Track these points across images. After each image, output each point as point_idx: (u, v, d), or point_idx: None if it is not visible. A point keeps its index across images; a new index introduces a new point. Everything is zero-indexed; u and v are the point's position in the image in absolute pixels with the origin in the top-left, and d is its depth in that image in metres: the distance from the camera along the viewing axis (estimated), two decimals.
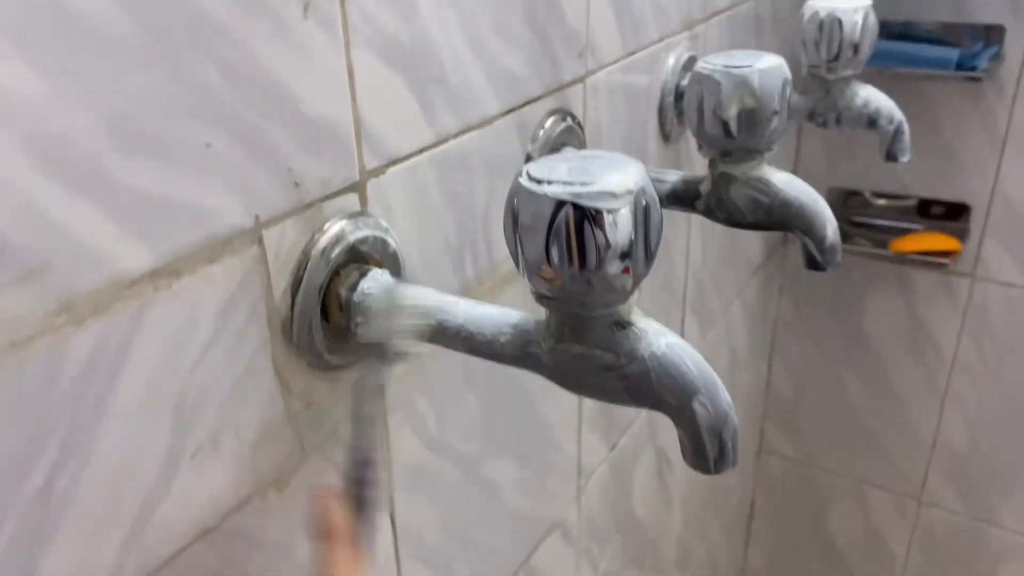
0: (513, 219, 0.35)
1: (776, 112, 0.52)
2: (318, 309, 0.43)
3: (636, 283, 0.35)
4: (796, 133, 1.28)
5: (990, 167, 1.17)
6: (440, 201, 0.51)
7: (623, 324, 0.37)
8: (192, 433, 0.38)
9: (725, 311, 1.15)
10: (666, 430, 1.03)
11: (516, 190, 0.34)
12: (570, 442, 0.78)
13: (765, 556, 1.62)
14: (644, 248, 0.34)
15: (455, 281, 0.55)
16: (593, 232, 0.33)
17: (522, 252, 0.35)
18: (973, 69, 1.04)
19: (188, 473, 0.38)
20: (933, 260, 1.16)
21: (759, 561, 1.63)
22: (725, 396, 0.36)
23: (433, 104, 0.48)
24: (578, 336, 0.37)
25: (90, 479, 0.34)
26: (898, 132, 0.72)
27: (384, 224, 0.46)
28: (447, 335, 0.41)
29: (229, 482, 0.41)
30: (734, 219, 0.56)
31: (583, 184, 0.33)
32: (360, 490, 0.39)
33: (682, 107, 0.77)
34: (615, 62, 0.69)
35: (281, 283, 0.41)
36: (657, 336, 0.36)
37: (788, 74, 0.52)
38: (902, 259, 1.19)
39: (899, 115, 0.72)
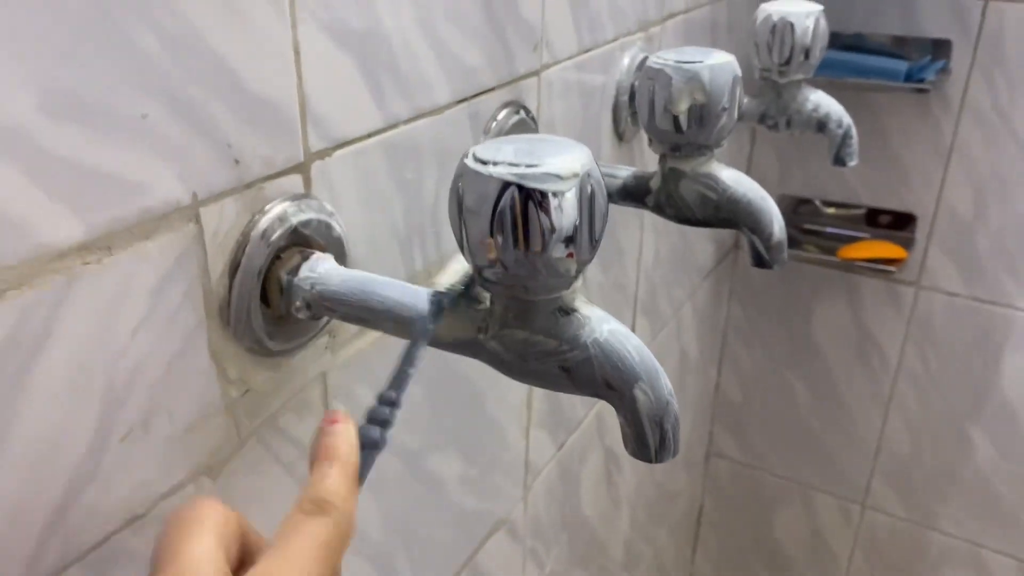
0: (458, 201, 0.34)
1: (726, 109, 0.52)
2: (257, 293, 0.42)
3: (580, 268, 0.35)
4: (750, 140, 1.30)
5: (935, 178, 1.19)
6: (389, 188, 0.50)
7: (567, 310, 0.36)
8: (121, 415, 0.37)
9: (676, 314, 1.15)
10: (616, 430, 1.03)
11: (461, 171, 0.34)
12: (518, 439, 0.77)
13: (712, 560, 1.63)
14: (589, 233, 0.34)
15: (403, 271, 0.54)
16: (538, 215, 0.32)
17: (466, 235, 0.34)
18: (921, 81, 1.06)
19: (117, 457, 0.37)
20: (879, 267, 1.18)
21: (706, 565, 1.64)
22: (667, 384, 0.36)
23: (383, 88, 0.48)
24: (522, 322, 0.36)
25: (8, 459, 0.32)
26: (846, 136, 0.73)
27: (329, 208, 0.45)
28: (389, 321, 0.40)
29: (160, 467, 0.40)
30: (683, 215, 0.56)
31: (529, 166, 0.33)
32: (374, 429, 0.37)
33: (635, 106, 0.77)
34: (570, 58, 0.68)
35: (219, 264, 0.40)
36: (600, 323, 0.36)
37: (738, 71, 0.52)
38: (849, 266, 1.21)
39: (848, 120, 0.73)
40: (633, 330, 1.02)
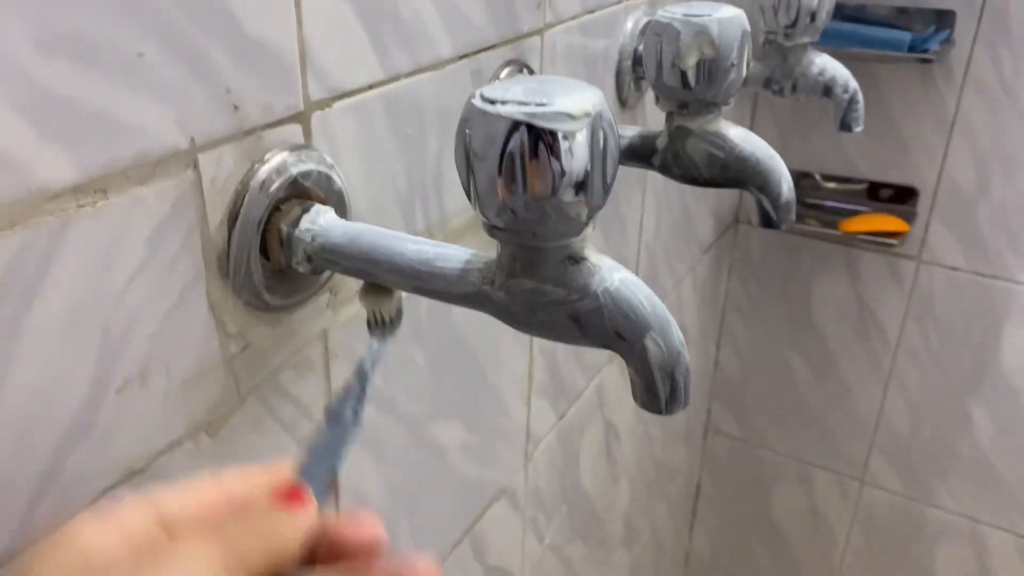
0: (464, 144, 0.33)
1: (735, 64, 0.51)
2: (257, 245, 0.41)
3: (591, 214, 0.34)
4: (750, 113, 1.28)
5: (938, 152, 1.18)
6: (390, 143, 0.49)
7: (576, 259, 0.35)
8: (118, 366, 0.36)
9: (676, 287, 1.15)
10: (615, 403, 1.02)
11: (468, 113, 0.33)
12: (519, 408, 0.77)
13: (709, 537, 1.64)
14: (601, 176, 0.33)
15: (404, 229, 0.53)
16: (548, 156, 0.31)
17: (473, 178, 0.33)
18: (925, 51, 1.05)
19: (113, 409, 0.36)
20: (880, 241, 1.17)
21: (704, 542, 1.65)
22: (678, 335, 0.35)
23: (384, 39, 0.46)
24: (530, 270, 0.35)
25: (2, 409, 0.32)
26: (852, 101, 0.72)
27: (329, 160, 0.44)
28: (394, 272, 0.39)
29: (158, 422, 0.39)
30: (690, 175, 0.55)
31: (539, 105, 0.31)
32: (342, 401, 0.36)
33: (640, 72, 0.76)
34: (573, 18, 0.67)
35: (217, 214, 0.39)
36: (611, 271, 0.35)
37: (747, 26, 0.51)
38: (850, 241, 1.21)
39: (854, 84, 0.72)
40: None
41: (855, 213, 1.23)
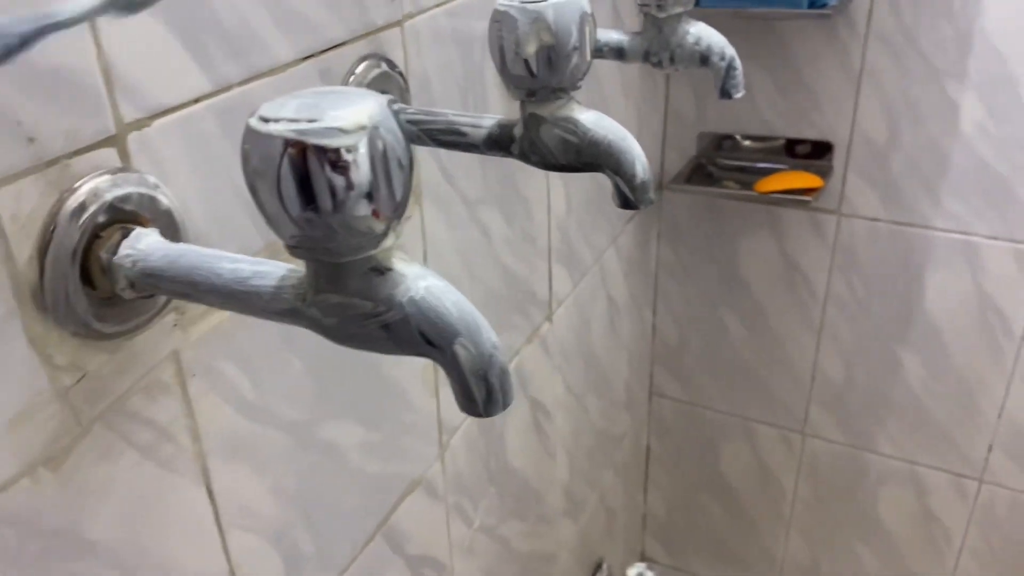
0: (246, 164, 0.33)
1: (576, 48, 0.50)
2: (76, 275, 0.40)
3: (388, 226, 0.34)
4: (664, 81, 1.28)
5: (848, 104, 1.19)
6: (228, 155, 0.48)
7: (380, 270, 0.35)
8: None
9: (598, 260, 1.15)
10: (539, 380, 1.03)
11: (246, 133, 0.32)
12: (426, 400, 0.77)
13: (664, 498, 1.66)
14: (388, 188, 0.33)
15: (259, 241, 0.52)
16: (323, 172, 0.31)
17: (258, 199, 0.33)
18: (824, 6, 1.05)
19: None
20: (796, 198, 1.18)
21: (659, 504, 1.67)
22: (489, 336, 0.35)
23: (206, 50, 0.46)
24: (335, 285, 0.35)
25: None
26: (730, 68, 0.72)
27: (152, 180, 0.43)
28: (212, 292, 0.39)
29: None
30: (547, 161, 0.54)
31: (310, 121, 0.31)
32: None
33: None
34: (438, 5, 0.66)
35: (25, 249, 0.38)
36: (416, 280, 0.35)
37: (587, 8, 0.51)
38: (768, 199, 1.21)
39: (731, 51, 0.72)
40: (551, 281, 1.02)
41: (773, 171, 1.24)
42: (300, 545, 0.62)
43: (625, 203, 0.54)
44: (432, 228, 0.72)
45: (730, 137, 1.31)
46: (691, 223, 1.37)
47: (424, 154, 0.69)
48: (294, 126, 0.31)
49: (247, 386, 0.53)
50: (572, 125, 0.53)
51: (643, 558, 1.73)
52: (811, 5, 1.06)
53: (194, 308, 0.48)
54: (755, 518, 1.59)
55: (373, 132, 0.32)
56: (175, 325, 0.47)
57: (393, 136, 0.33)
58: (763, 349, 1.42)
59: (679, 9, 0.71)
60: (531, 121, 0.54)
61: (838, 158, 1.22)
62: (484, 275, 0.84)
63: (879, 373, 1.35)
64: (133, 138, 0.42)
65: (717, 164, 1.30)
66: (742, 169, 1.28)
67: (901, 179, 1.20)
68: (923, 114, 1.15)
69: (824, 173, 1.22)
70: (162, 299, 0.45)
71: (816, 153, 1.25)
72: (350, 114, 0.31)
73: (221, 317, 0.50)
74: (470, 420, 0.86)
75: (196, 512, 0.52)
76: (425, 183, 0.70)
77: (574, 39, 0.50)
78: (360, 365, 0.66)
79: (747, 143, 1.28)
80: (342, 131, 0.31)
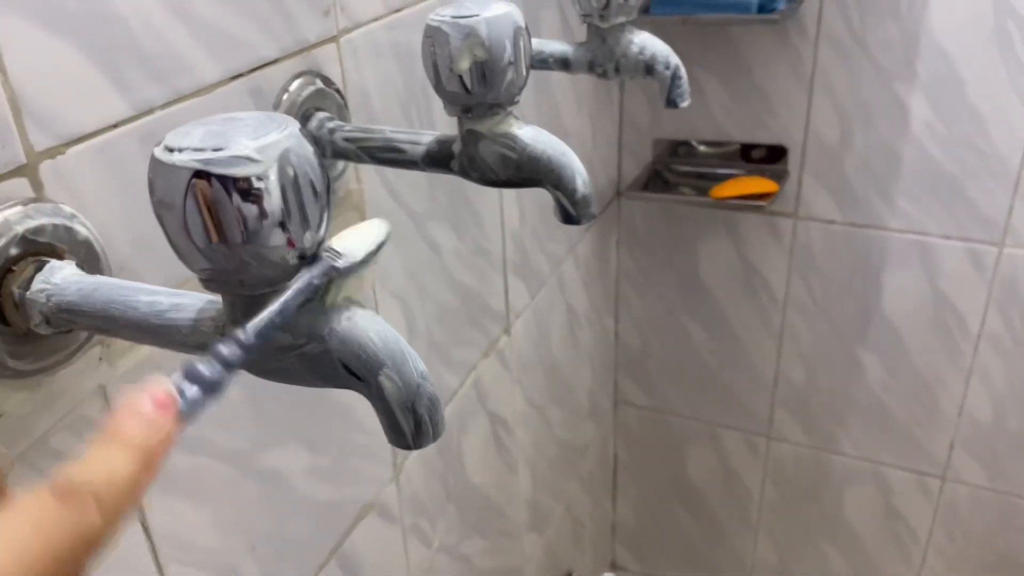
0: (152, 196, 0.31)
1: (511, 63, 0.49)
2: None
3: (304, 255, 0.33)
4: (619, 88, 1.28)
5: (801, 108, 1.19)
6: None
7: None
8: None
9: (556, 270, 1.14)
10: (498, 395, 1.01)
11: (151, 163, 0.31)
12: (376, 419, 0.75)
13: (632, 506, 1.65)
14: (301, 217, 0.31)
15: (185, 270, 0.50)
16: (231, 203, 0.30)
17: (166, 232, 0.31)
18: (772, 11, 1.05)
19: None
20: (751, 204, 1.18)
21: (628, 512, 1.66)
22: (416, 366, 0.34)
23: (124, 74, 0.44)
24: (251, 318, 0.34)
25: None
26: (675, 77, 0.71)
27: (68, 210, 0.41)
28: (130, 327, 0.37)
29: None
30: (487, 178, 0.53)
31: (215, 150, 0.30)
32: (211, 366, 0.31)
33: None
34: (376, 19, 0.65)
35: None
36: (339, 312, 0.34)
37: (520, 21, 0.50)
38: (724, 204, 1.21)
39: (675, 59, 0.71)
40: (507, 293, 1.00)
41: (729, 177, 1.24)
42: (247, 574, 0.61)
43: (567, 218, 0.53)
44: None
45: (685, 143, 1.31)
46: (649, 230, 1.37)
47: (369, 170, 0.68)
48: (199, 155, 0.29)
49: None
50: (511, 141, 0.52)
51: (613, 567, 1.72)
52: (760, 10, 1.06)
53: (121, 340, 0.46)
54: (723, 523, 1.59)
55: (283, 158, 0.30)
56: (101, 359, 0.45)
57: (305, 161, 0.31)
58: (726, 354, 1.42)
59: (622, 19, 0.71)
60: (469, 137, 0.53)
61: (793, 161, 1.23)
62: (436, 291, 0.82)
63: (840, 375, 1.36)
64: (46, 167, 0.40)
65: (673, 170, 1.29)
66: (698, 175, 1.28)
67: (855, 181, 1.21)
68: (874, 116, 1.15)
69: (779, 177, 1.22)
70: (83, 334, 0.43)
71: (771, 157, 1.25)
72: (258, 142, 0.30)
73: (151, 349, 0.48)
74: None
75: (131, 550, 0.50)
76: (369, 199, 0.68)
77: (508, 54, 0.49)
78: (302, 388, 0.64)
79: (703, 148, 1.28)
80: (249, 160, 0.30)
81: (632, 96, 1.28)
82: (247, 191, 0.30)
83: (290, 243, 0.31)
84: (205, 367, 0.31)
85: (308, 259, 0.33)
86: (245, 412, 0.57)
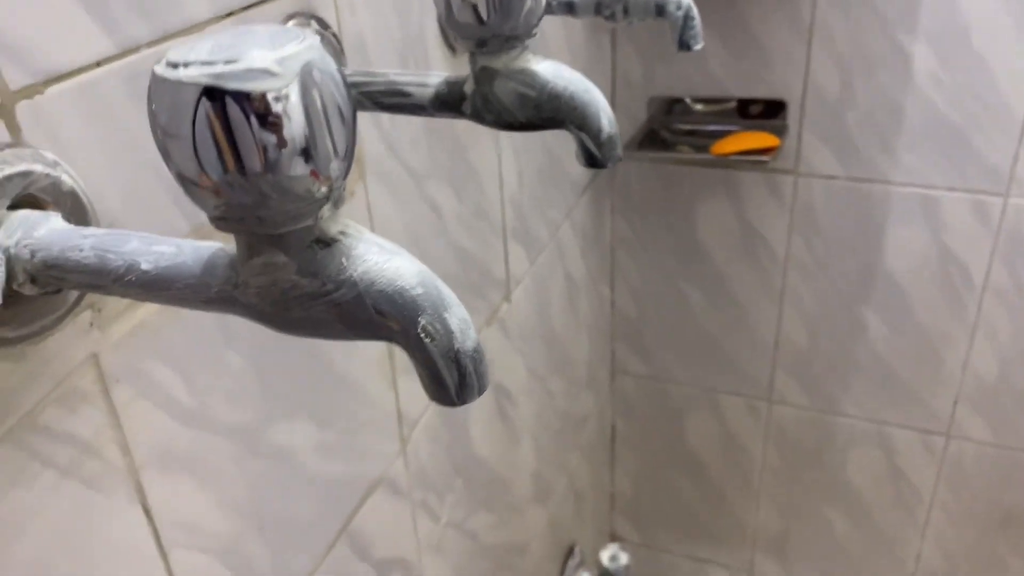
0: (154, 123, 0.27)
1: None
2: None
3: (331, 188, 0.28)
4: (610, 44, 1.23)
5: (800, 61, 1.16)
6: (140, 125, 0.42)
7: (326, 241, 0.30)
8: None
9: (554, 236, 1.10)
10: (501, 365, 0.98)
11: (151, 83, 0.27)
12: (383, 393, 0.71)
13: (631, 477, 1.63)
14: (328, 140, 0.27)
15: (184, 224, 0.46)
16: (248, 124, 0.26)
17: (172, 165, 0.27)
18: None
19: None
20: (754, 159, 1.15)
21: (626, 483, 1.64)
22: (459, 313, 0.30)
23: (108, 8, 0.39)
24: (271, 262, 0.30)
25: None
26: (688, 18, 0.67)
27: (50, 156, 0.37)
28: (128, 283, 0.33)
29: None
30: (503, 120, 0.49)
31: (228, 62, 0.25)
32: None
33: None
34: None
35: None
36: (369, 251, 0.30)
37: None
38: (727, 162, 1.18)
39: (687, 0, 0.68)
40: (507, 258, 0.97)
41: (727, 134, 1.21)
42: (254, 560, 0.57)
43: (591, 161, 0.49)
44: (378, 206, 0.66)
45: (680, 101, 1.27)
46: (645, 193, 1.33)
47: (365, 124, 0.64)
48: (209, 69, 0.25)
49: (181, 389, 0.47)
50: (529, 77, 0.48)
51: (613, 538, 1.70)
52: None
53: (113, 303, 0.42)
54: (724, 490, 1.57)
55: (306, 74, 0.26)
56: (92, 324, 0.41)
57: (331, 79, 0.27)
58: (725, 318, 1.39)
59: None
60: (483, 75, 0.49)
61: (792, 116, 1.19)
62: (437, 255, 0.78)
63: (842, 334, 1.33)
64: (23, 107, 0.36)
65: (670, 129, 1.26)
66: (694, 133, 1.24)
67: (856, 134, 1.17)
68: (875, 66, 1.12)
69: (779, 132, 1.19)
70: (72, 295, 0.39)
71: (769, 112, 1.22)
72: (276, 53, 0.26)
73: (146, 312, 0.44)
74: (431, 411, 0.81)
75: (132, 534, 0.46)
76: (368, 157, 0.64)
77: None
78: (308, 358, 0.60)
79: (698, 106, 1.25)
80: (268, 73, 0.25)
81: (625, 52, 1.24)
82: (266, 110, 0.25)
83: (314, 173, 0.27)
84: None
85: (333, 193, 0.29)
86: (250, 384, 0.53)
